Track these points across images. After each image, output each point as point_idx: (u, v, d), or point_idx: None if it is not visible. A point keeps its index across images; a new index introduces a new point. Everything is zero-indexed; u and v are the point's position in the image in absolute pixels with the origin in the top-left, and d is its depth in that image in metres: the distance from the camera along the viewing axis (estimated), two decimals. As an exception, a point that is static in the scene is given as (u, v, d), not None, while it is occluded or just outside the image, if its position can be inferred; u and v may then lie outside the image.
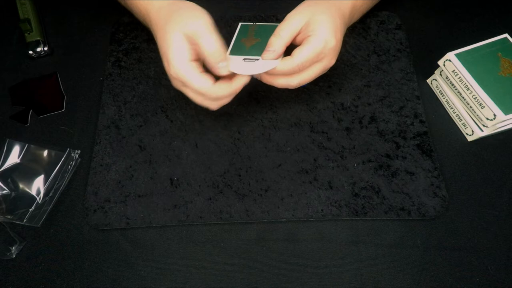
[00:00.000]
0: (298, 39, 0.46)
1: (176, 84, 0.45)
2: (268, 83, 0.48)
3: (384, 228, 0.47)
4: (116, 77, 0.56)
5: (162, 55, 0.44)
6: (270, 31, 0.48)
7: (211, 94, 0.44)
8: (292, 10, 0.47)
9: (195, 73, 0.43)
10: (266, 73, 0.46)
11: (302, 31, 0.45)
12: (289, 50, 0.46)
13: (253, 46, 0.48)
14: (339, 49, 0.47)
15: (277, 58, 0.45)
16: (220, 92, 0.44)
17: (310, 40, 0.44)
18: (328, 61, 0.46)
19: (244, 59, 0.46)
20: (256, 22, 0.53)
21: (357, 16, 0.54)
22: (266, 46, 0.45)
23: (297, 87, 0.48)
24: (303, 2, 0.48)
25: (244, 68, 0.45)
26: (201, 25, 0.42)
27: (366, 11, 0.57)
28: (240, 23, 0.52)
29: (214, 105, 0.46)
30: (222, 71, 0.44)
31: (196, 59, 0.44)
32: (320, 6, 0.46)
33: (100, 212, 0.47)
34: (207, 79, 0.43)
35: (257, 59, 0.46)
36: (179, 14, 0.44)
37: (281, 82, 0.47)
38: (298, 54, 0.44)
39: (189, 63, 0.43)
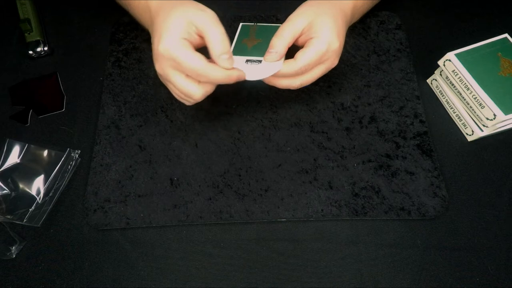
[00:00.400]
0: (300, 40, 0.46)
1: (163, 64, 0.42)
2: (270, 84, 0.48)
3: (384, 228, 0.47)
4: (116, 77, 0.56)
5: (154, 35, 0.42)
6: (272, 31, 0.48)
7: (202, 72, 0.41)
8: (294, 10, 0.46)
9: (187, 50, 0.41)
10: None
11: (304, 32, 0.45)
12: (290, 50, 0.46)
13: (254, 46, 0.48)
14: (342, 49, 0.47)
15: (279, 60, 0.45)
16: (212, 72, 0.41)
17: (313, 43, 0.44)
18: (331, 62, 0.46)
19: (247, 60, 0.46)
20: (256, 23, 0.53)
21: (357, 16, 0.54)
22: (268, 47, 0.45)
23: (299, 88, 0.48)
24: (305, 3, 0.47)
25: (248, 72, 0.45)
26: (209, 16, 0.42)
27: (366, 11, 0.57)
28: (241, 24, 0.52)
29: (199, 93, 0.43)
30: (225, 63, 0.42)
31: (190, 41, 0.42)
32: (322, 7, 0.46)
33: (100, 212, 0.47)
34: (200, 56, 0.41)
35: (260, 61, 0.46)
36: (187, 6, 0.43)
37: (283, 83, 0.47)
38: (301, 57, 0.44)
39: (182, 40, 0.41)
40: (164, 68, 0.42)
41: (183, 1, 0.44)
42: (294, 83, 0.47)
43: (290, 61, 0.45)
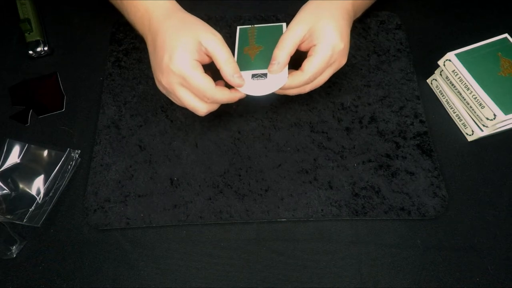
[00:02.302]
0: (303, 46, 0.46)
1: (171, 80, 0.43)
2: (281, 94, 0.49)
3: (384, 228, 0.47)
4: (116, 77, 0.56)
5: (164, 51, 0.43)
6: (270, 33, 0.48)
7: (209, 95, 0.43)
8: (294, 17, 0.47)
9: (198, 71, 0.43)
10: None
11: (306, 38, 0.45)
12: (294, 56, 0.46)
13: (257, 56, 0.49)
14: (348, 48, 0.47)
15: (282, 69, 0.46)
16: (219, 95, 0.44)
17: (317, 50, 0.44)
18: (338, 63, 0.47)
19: (252, 75, 0.47)
20: (254, 25, 0.53)
21: (359, 12, 0.55)
22: (271, 59, 0.46)
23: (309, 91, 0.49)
24: (304, 7, 0.47)
25: (255, 88, 0.46)
26: (218, 39, 0.44)
27: (367, 7, 0.57)
28: (238, 28, 0.53)
29: (203, 110, 0.45)
30: (238, 81, 0.44)
31: (200, 62, 0.44)
32: (321, 10, 0.46)
33: (100, 212, 0.47)
34: (209, 79, 0.43)
35: (265, 74, 0.46)
36: (198, 27, 0.45)
37: (293, 91, 0.48)
38: (308, 68, 0.45)
39: (194, 61, 0.43)
40: (171, 83, 0.44)
41: (190, 19, 0.46)
42: (304, 90, 0.48)
43: (297, 72, 0.45)
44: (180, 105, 0.47)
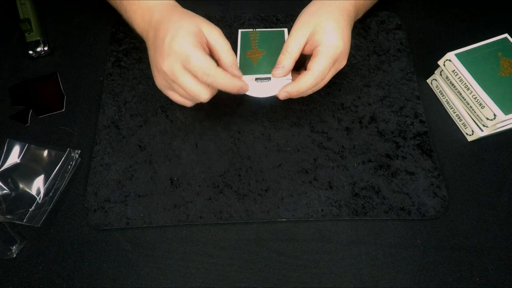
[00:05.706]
0: (306, 49, 0.47)
1: (173, 62, 0.42)
2: (284, 98, 0.48)
3: (384, 228, 0.47)
4: (116, 77, 0.56)
5: (165, 34, 0.43)
6: (273, 38, 0.49)
7: (211, 73, 0.42)
8: (296, 21, 0.47)
9: (200, 50, 0.42)
10: (289, 93, 0.46)
11: (308, 41, 0.46)
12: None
13: (259, 61, 0.49)
14: (349, 49, 0.47)
15: (287, 74, 0.46)
16: (220, 75, 0.42)
17: (320, 50, 0.45)
18: (339, 64, 0.47)
19: (256, 78, 0.47)
20: (255, 29, 0.53)
21: (361, 13, 0.55)
22: (276, 63, 0.46)
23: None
24: (305, 10, 0.48)
25: (259, 90, 0.46)
26: (219, 31, 0.45)
27: (370, 7, 0.57)
28: (240, 31, 0.53)
29: (206, 95, 0.44)
30: (236, 71, 0.45)
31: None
32: (322, 12, 0.46)
33: (100, 212, 0.47)
34: (211, 59, 0.42)
35: (269, 77, 0.47)
36: (200, 19, 0.45)
37: (297, 94, 0.48)
38: (314, 67, 0.45)
39: (197, 42, 0.42)
40: (173, 65, 0.42)
41: (192, 13, 0.46)
42: (306, 92, 0.48)
43: (306, 74, 0.45)
44: (180, 97, 0.46)
